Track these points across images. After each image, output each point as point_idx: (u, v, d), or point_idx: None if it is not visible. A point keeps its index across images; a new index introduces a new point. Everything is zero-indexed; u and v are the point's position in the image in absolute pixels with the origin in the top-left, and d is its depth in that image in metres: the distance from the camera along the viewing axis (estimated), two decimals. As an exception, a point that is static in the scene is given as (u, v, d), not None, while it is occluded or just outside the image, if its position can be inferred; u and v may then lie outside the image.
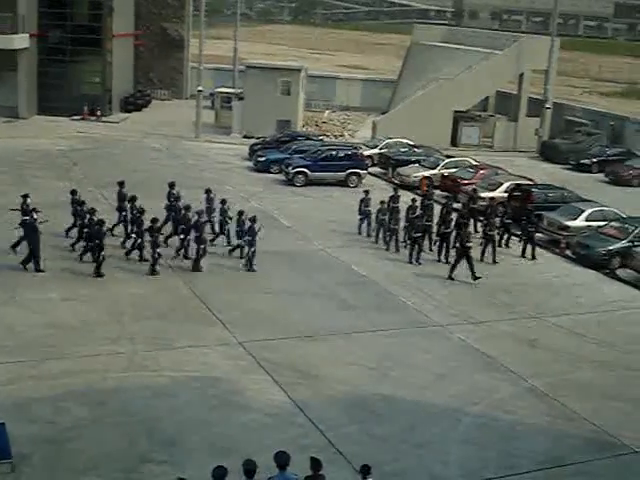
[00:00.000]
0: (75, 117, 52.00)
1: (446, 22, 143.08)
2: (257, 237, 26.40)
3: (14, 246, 25.64)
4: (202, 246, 26.18)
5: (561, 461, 16.85)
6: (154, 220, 25.86)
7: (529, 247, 30.33)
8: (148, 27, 63.17)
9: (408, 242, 29.04)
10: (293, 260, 28.20)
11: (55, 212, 28.60)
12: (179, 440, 16.32)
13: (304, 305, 24.23)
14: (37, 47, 52.30)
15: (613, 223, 31.19)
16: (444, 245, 29.12)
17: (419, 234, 28.64)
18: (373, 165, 43.15)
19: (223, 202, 28.42)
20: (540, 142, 51.19)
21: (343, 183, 38.51)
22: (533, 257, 30.20)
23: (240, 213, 27.46)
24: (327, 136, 50.60)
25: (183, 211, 27.06)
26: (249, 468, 12.20)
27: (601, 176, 45.56)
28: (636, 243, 29.23)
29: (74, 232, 27.50)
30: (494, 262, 29.20)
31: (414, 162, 41.82)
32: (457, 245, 27.91)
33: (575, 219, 31.99)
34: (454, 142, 51.36)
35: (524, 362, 21.41)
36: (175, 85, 64.64)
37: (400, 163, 41.89)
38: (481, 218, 31.55)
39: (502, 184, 36.38)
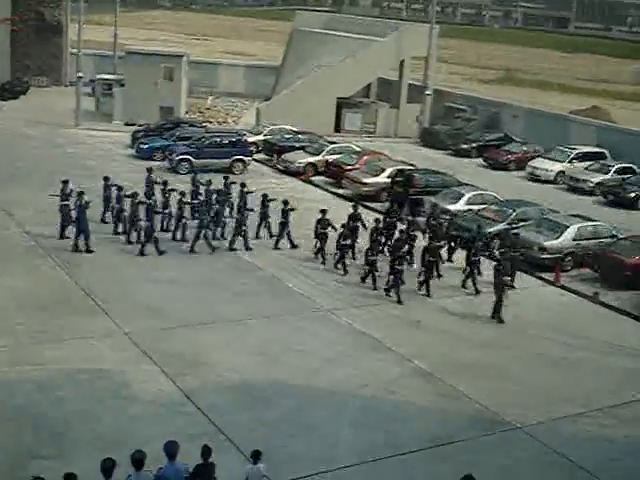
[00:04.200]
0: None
1: (327, 9, 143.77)
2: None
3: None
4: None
5: (447, 439, 17.31)
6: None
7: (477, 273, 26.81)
8: (24, 12, 61.16)
9: (366, 268, 25.87)
10: (181, 248, 27.91)
11: None
12: (67, 434, 16.04)
13: (192, 294, 24.09)
14: None
15: (492, 206, 32.06)
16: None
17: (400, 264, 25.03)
18: (258, 152, 43.11)
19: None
20: (421, 128, 52.12)
21: (228, 170, 38.41)
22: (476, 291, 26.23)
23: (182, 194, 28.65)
24: (211, 123, 50.26)
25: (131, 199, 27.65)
26: (138, 459, 12.13)
27: (480, 161, 46.72)
28: (514, 225, 30.14)
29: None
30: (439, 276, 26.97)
31: (298, 148, 41.99)
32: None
33: (455, 203, 32.74)
34: (337, 128, 51.75)
35: (409, 344, 21.87)
36: (54, 72, 62.83)
37: (284, 149, 42.00)
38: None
39: (385, 170, 36.92)
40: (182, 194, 28.83)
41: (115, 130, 47.18)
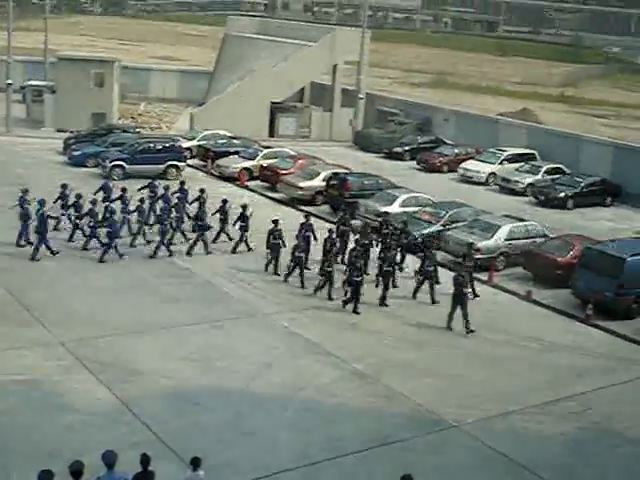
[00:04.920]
0: None
1: (259, 14, 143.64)
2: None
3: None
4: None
5: (386, 440, 17.46)
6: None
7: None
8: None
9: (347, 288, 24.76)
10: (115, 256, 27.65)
11: None
12: (2, 446, 15.78)
13: (128, 301, 23.87)
14: None
15: (426, 208, 32.41)
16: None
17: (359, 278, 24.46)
18: (192, 157, 42.90)
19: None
20: (354, 132, 52.42)
21: (162, 176, 38.09)
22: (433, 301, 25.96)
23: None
24: (144, 128, 49.83)
25: (90, 206, 27.86)
26: (76, 470, 12.01)
27: (413, 163, 47.14)
28: (448, 227, 30.52)
29: None
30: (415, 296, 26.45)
31: (233, 153, 41.91)
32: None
33: (390, 205, 33.01)
34: (272, 133, 51.76)
35: (347, 346, 21.99)
36: (-19, 78, 61.53)
37: (219, 154, 41.87)
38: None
39: (320, 173, 37.05)
40: (141, 200, 29.16)
41: (46, 137, 46.48)
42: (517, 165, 43.62)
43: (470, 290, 24.66)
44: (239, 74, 53.87)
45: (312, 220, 28.40)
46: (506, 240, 29.50)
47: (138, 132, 45.23)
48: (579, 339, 24.04)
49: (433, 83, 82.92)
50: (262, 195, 37.80)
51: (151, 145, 39.35)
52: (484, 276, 28.04)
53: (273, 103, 52.04)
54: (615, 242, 28.41)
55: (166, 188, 30.41)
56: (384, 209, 32.24)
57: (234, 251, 28.85)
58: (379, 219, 29.96)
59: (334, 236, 26.50)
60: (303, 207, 34.98)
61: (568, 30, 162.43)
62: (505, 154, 44.71)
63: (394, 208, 32.71)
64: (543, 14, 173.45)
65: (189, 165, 41.01)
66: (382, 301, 25.14)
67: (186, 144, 43.02)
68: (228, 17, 68.92)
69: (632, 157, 42.13)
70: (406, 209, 32.56)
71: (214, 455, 15.71)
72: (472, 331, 23.44)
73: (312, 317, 23.92)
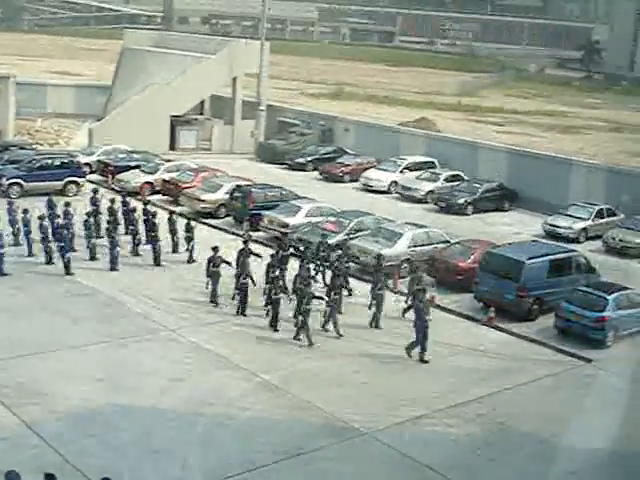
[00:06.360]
0: None
1: (157, 27, 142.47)
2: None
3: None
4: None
5: (298, 450, 17.50)
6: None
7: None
8: None
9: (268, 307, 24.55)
10: (12, 275, 26.99)
11: None
12: None
13: (31, 321, 23.32)
14: None
15: (330, 218, 32.65)
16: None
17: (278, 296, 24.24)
18: (92, 172, 42.21)
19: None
20: (257, 143, 52.45)
21: (62, 192, 37.34)
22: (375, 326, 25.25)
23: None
24: (41, 145, 48.83)
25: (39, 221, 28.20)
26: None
27: (316, 174, 47.41)
28: (352, 236, 30.81)
29: None
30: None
31: (133, 168, 41.42)
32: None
33: (294, 216, 33.14)
34: (173, 146, 51.35)
35: (255, 358, 21.97)
36: None
37: (119, 169, 41.31)
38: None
39: (222, 186, 36.94)
40: (88, 214, 29.58)
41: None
42: (417, 173, 44.34)
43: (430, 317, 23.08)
44: (138, 88, 53.29)
45: (250, 245, 26.82)
46: (409, 247, 29.96)
47: (35, 149, 44.30)
48: (482, 342, 24.55)
49: (333, 94, 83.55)
50: (165, 209, 37.39)
51: (49, 161, 38.56)
52: (389, 283, 28.36)
53: (173, 116, 51.67)
54: (514, 245, 29.20)
55: (67, 204, 30.02)
56: (288, 220, 32.35)
57: (190, 260, 29.41)
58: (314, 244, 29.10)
59: (275, 262, 25.64)
60: (205, 220, 34.78)
61: (463, 40, 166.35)
62: (405, 162, 45.37)
63: (298, 219, 32.86)
64: (439, 25, 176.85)
65: (90, 181, 40.34)
66: (335, 326, 23.97)
67: (85, 159, 42.34)
68: (125, 31, 68.12)
69: (526, 162, 43.31)
70: (311, 219, 32.75)
71: (124, 474, 15.49)
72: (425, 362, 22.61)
73: (219, 331, 23.81)
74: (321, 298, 24.11)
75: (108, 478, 13.02)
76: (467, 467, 17.62)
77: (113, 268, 28.20)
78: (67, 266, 27.41)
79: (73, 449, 16.66)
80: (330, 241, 30.04)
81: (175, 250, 30.40)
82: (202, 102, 57.24)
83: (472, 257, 28.63)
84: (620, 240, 34.97)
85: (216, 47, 54.88)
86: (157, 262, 29.12)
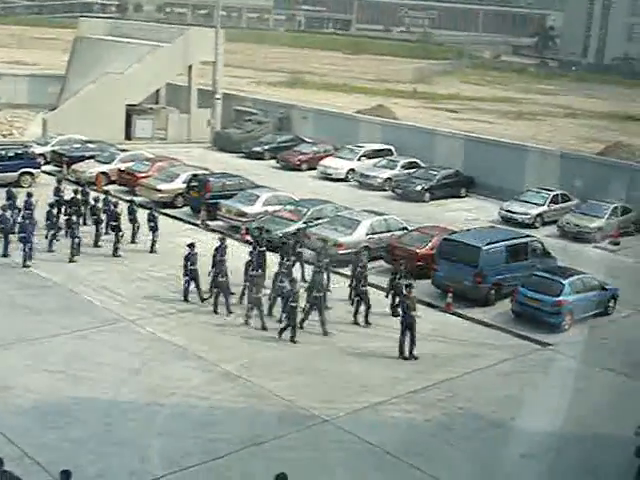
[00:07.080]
0: None
1: (111, 15, 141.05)
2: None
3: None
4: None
5: (259, 439, 17.53)
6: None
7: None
8: None
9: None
10: None
11: None
12: None
13: (-16, 315, 23.09)
14: None
15: (288, 206, 32.63)
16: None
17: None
18: (47, 163, 41.74)
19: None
20: (213, 132, 52.22)
21: (17, 184, 36.90)
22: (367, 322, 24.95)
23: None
24: (-6, 136, 48.22)
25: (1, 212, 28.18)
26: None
27: (273, 162, 47.36)
28: (310, 224, 30.83)
29: None
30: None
31: (89, 158, 41.03)
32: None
33: (252, 205, 33.08)
34: (128, 136, 50.94)
35: (214, 348, 21.95)
36: None
37: (74, 159, 40.91)
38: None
39: (179, 175, 36.75)
40: (51, 205, 29.15)
41: None
42: (375, 161, 44.48)
43: (418, 313, 22.84)
44: (92, 77, 52.71)
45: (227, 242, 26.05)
46: (367, 235, 30.06)
47: (-12, 140, 43.70)
48: (441, 328, 24.74)
49: (289, 82, 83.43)
50: (122, 200, 37.09)
51: (2, 153, 38.04)
52: (348, 271, 28.41)
53: (129, 105, 51.23)
54: (471, 232, 29.42)
55: (29, 195, 29.62)
56: (246, 209, 32.30)
57: (151, 250, 29.43)
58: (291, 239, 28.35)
59: (253, 259, 24.98)
60: (163, 210, 34.56)
61: (419, 27, 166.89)
62: (363, 150, 45.49)
63: (256, 208, 32.81)
64: (394, 12, 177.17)
65: (44, 172, 39.90)
66: (323, 327, 23.58)
67: (39, 150, 41.86)
68: (79, 19, 67.35)
69: (482, 149, 43.65)
70: (268, 208, 32.72)
71: (84, 467, 15.43)
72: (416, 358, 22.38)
73: (178, 321, 23.73)
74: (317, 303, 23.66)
75: (67, 471, 12.98)
76: (425, 452, 17.77)
77: (72, 259, 27.95)
78: (30, 257, 27.07)
79: (32, 443, 16.53)
80: (288, 229, 30.06)
81: (133, 240, 30.21)
82: (157, 91, 56.85)
83: (430, 244, 28.81)
84: (575, 225, 35.44)
85: (171, 35, 54.49)
86: (116, 253, 28.92)
